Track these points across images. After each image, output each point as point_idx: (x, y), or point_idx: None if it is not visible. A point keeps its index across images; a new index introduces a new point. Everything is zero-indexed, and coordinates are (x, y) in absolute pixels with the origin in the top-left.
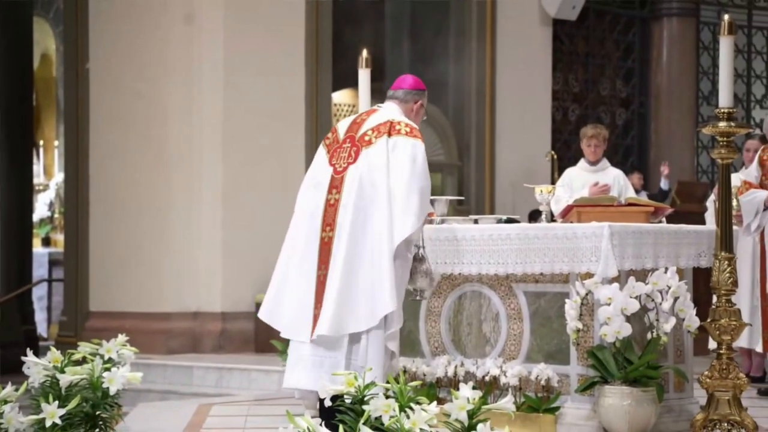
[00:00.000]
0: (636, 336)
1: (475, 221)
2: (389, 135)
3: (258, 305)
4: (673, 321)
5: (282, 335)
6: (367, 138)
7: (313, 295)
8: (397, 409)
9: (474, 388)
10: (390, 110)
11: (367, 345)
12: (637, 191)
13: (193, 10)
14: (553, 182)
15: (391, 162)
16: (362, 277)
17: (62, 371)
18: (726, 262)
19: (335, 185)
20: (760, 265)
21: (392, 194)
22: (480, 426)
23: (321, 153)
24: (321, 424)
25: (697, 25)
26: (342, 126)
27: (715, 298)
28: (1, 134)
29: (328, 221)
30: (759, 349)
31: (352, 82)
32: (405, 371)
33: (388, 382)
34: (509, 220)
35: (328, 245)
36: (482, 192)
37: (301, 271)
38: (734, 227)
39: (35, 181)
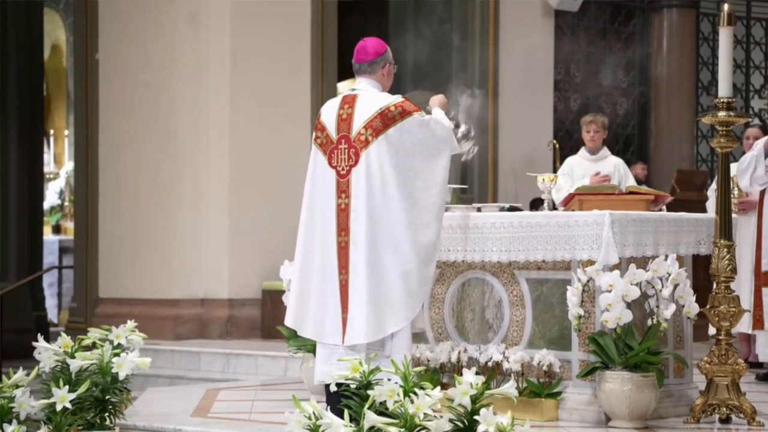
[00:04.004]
0: (636, 322)
1: (478, 209)
2: (385, 128)
3: (264, 292)
4: (673, 307)
5: (311, 337)
6: (363, 138)
7: (338, 299)
8: (401, 394)
9: (477, 373)
10: (369, 94)
11: (393, 336)
12: (639, 182)
13: (200, 2)
14: (555, 171)
15: (406, 154)
16: (388, 281)
17: (72, 356)
18: (725, 250)
19: (342, 189)
20: (756, 245)
21: (421, 176)
22: (483, 411)
23: (317, 154)
24: (327, 410)
25: (696, 16)
26: (328, 121)
27: (714, 285)
28: (13, 124)
29: (342, 226)
30: (748, 330)
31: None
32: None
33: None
34: (512, 209)
35: (345, 250)
36: (485, 180)
37: (323, 276)
38: (734, 215)
39: (46, 169)
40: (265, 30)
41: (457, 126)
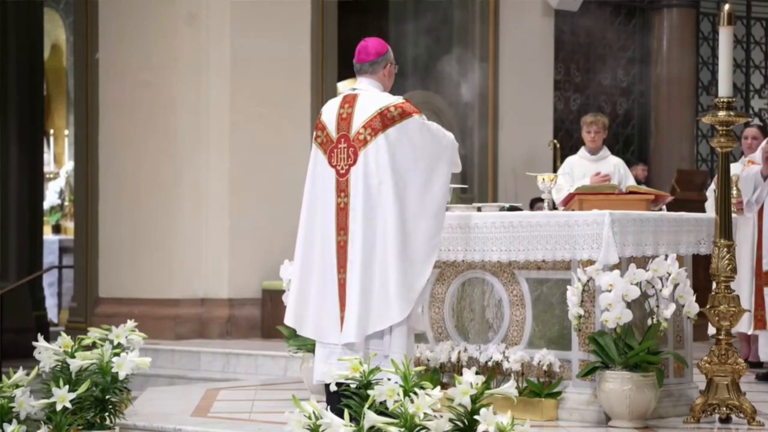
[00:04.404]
0: (636, 322)
1: (479, 209)
2: (384, 128)
3: (265, 291)
4: (673, 307)
5: (311, 336)
6: (361, 137)
7: (337, 298)
8: (401, 393)
9: (477, 373)
10: (370, 93)
11: (392, 335)
12: (640, 183)
13: (200, 2)
14: (555, 170)
15: (404, 155)
16: (378, 280)
17: (72, 356)
18: (725, 249)
19: (342, 188)
20: (757, 245)
21: (417, 179)
22: (483, 411)
23: (317, 153)
24: (327, 409)
25: (696, 15)
26: (329, 121)
27: (714, 285)
28: (13, 123)
29: (341, 225)
30: (749, 330)
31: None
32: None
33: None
34: (512, 208)
35: (344, 249)
36: (485, 180)
37: (323, 275)
38: (733, 215)
39: (46, 169)
40: (265, 30)
41: None
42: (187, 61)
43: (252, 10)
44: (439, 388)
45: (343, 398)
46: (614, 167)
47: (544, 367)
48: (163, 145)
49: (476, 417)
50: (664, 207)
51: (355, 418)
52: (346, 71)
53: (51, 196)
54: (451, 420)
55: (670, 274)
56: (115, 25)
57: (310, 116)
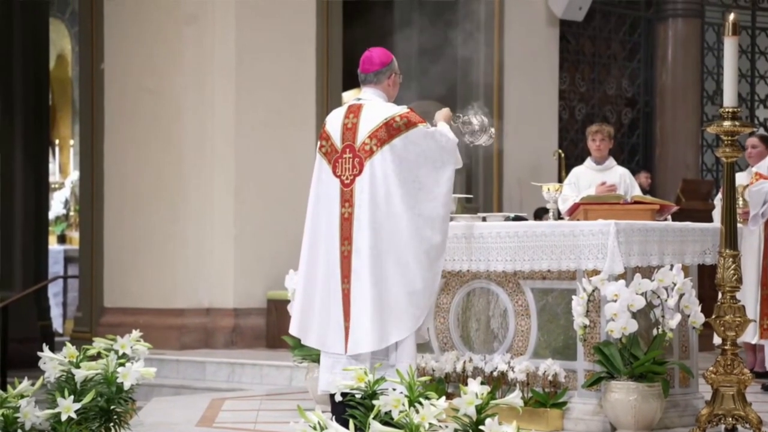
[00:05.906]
0: (642, 332)
1: (483, 219)
2: (390, 138)
3: (270, 301)
4: (678, 317)
5: (314, 346)
6: (367, 148)
7: (341, 308)
8: (406, 404)
9: (482, 383)
10: (374, 103)
11: (398, 344)
12: (644, 191)
13: (205, 7)
14: (560, 180)
15: (410, 164)
16: (394, 290)
17: (77, 366)
18: (731, 259)
19: (346, 198)
20: (763, 254)
21: (425, 187)
22: (488, 421)
23: (322, 163)
24: (332, 419)
25: (701, 25)
26: (333, 131)
27: (719, 295)
28: (18, 133)
29: (345, 236)
30: (754, 340)
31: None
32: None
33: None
34: (517, 218)
35: (348, 259)
36: (490, 190)
37: (327, 285)
38: (739, 225)
39: (51, 179)
40: (269, 36)
41: (469, 123)
42: (191, 68)
43: (256, 15)
44: (444, 398)
45: (348, 408)
46: (620, 177)
47: (550, 377)
48: (168, 153)
49: (481, 427)
50: (669, 217)
51: (360, 429)
52: (351, 78)
53: (56, 206)
54: (456, 430)
55: (675, 284)
56: (120, 34)
57: (315, 123)
